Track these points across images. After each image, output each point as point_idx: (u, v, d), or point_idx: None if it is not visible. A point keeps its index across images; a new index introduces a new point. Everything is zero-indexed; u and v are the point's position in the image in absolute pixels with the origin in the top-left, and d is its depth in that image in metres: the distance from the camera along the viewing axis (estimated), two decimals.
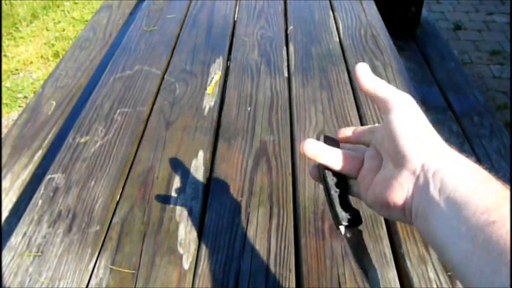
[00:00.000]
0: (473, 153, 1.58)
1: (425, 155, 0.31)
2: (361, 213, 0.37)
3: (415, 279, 0.62)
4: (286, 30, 1.29)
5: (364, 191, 0.36)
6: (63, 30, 3.02)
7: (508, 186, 0.28)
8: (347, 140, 0.41)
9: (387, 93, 0.35)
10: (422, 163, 0.30)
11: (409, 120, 0.32)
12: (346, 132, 0.41)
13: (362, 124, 0.92)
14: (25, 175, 1.03)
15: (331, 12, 1.36)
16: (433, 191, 0.29)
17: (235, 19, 1.36)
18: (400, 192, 0.32)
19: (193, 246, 0.67)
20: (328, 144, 0.38)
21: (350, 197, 0.38)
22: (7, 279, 0.63)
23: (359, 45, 1.19)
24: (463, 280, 0.27)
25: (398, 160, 0.32)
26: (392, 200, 0.32)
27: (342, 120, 0.92)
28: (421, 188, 0.30)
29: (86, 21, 3.04)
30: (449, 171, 0.29)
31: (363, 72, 0.37)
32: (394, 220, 0.35)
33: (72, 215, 0.73)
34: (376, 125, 0.38)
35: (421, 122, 0.33)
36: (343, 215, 0.36)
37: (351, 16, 1.33)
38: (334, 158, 0.38)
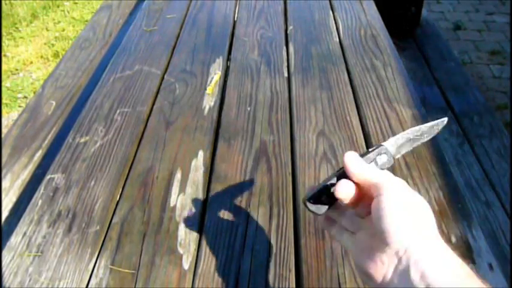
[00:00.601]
0: (473, 153, 1.58)
1: (410, 240, 0.32)
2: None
3: None
4: (286, 30, 1.29)
5: (354, 251, 0.38)
6: (63, 30, 3.02)
7: (488, 284, 0.30)
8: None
9: (378, 178, 0.36)
10: (406, 247, 0.32)
11: (397, 207, 0.33)
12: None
13: (362, 125, 0.92)
14: (25, 175, 1.03)
15: (331, 12, 1.36)
16: (415, 278, 0.31)
17: (235, 19, 1.36)
18: (380, 268, 0.34)
19: (193, 246, 0.67)
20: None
21: None
22: (7, 279, 0.63)
23: (359, 45, 1.19)
24: None
25: (384, 238, 0.33)
26: (372, 272, 0.34)
27: (341, 120, 0.92)
28: (403, 272, 0.32)
29: (86, 21, 3.04)
30: (431, 262, 0.31)
31: (351, 160, 0.37)
32: None
33: (72, 215, 0.73)
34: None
35: (411, 207, 0.34)
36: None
37: (351, 16, 1.33)
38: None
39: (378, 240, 0.34)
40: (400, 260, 0.32)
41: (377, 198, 0.34)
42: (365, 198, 0.37)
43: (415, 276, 0.31)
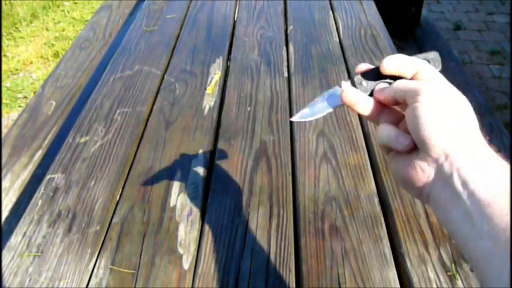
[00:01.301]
0: None
1: (451, 145, 0.30)
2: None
3: (415, 279, 0.62)
4: (286, 30, 1.29)
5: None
6: (63, 30, 3.02)
7: None
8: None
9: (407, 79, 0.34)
10: (447, 153, 0.30)
11: (434, 109, 0.31)
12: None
13: (362, 125, 0.92)
14: (25, 175, 1.03)
15: (331, 12, 1.36)
16: (457, 185, 0.29)
17: (235, 19, 1.36)
18: (421, 175, 0.32)
19: (193, 246, 0.67)
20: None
21: None
22: (7, 279, 0.63)
23: (359, 45, 1.19)
24: (481, 276, 0.26)
25: (422, 146, 0.31)
26: (412, 180, 0.32)
27: (341, 120, 0.92)
28: (444, 179, 0.30)
29: (86, 21, 3.04)
30: (475, 166, 0.28)
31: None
32: (411, 195, 0.36)
33: (72, 215, 0.73)
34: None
35: (450, 108, 0.31)
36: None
37: (351, 16, 1.33)
38: (368, 108, 0.38)
39: (416, 148, 0.32)
40: (441, 167, 0.30)
41: (412, 104, 0.32)
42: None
43: (457, 184, 0.29)
